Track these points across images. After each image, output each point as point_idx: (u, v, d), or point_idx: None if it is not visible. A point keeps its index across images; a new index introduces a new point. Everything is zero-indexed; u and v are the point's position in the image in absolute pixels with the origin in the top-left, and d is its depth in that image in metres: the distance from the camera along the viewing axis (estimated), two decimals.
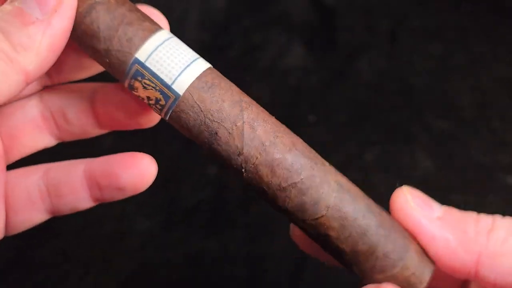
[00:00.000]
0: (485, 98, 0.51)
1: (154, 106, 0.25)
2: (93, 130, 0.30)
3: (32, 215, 0.30)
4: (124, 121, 0.29)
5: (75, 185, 0.30)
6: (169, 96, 0.25)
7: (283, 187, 0.25)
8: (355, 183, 0.48)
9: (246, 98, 0.26)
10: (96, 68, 0.30)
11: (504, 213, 0.46)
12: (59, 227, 0.44)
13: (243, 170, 0.25)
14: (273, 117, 0.26)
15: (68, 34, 0.25)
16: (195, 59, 0.25)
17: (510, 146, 0.49)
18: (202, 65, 0.25)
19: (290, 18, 0.57)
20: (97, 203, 0.30)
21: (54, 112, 0.30)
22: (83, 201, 0.30)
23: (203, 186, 0.47)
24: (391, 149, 0.49)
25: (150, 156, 0.29)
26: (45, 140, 0.31)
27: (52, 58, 0.24)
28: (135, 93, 0.25)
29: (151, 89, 0.25)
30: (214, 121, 0.25)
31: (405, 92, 0.52)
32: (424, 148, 0.49)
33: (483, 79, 0.52)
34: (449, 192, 0.47)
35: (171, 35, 0.26)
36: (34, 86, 0.30)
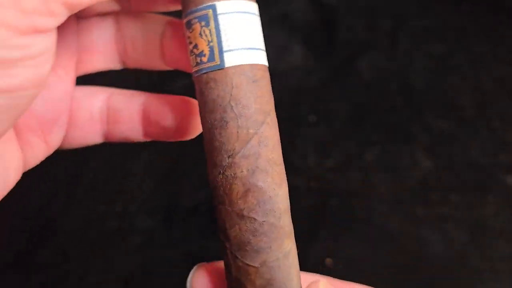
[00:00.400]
0: (485, 98, 0.51)
1: (193, 56, 0.24)
2: (158, 63, 0.30)
3: (89, 134, 0.31)
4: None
5: (132, 115, 0.30)
6: (214, 59, 0.23)
7: (242, 215, 0.24)
8: (355, 183, 0.49)
9: (274, 116, 0.24)
10: (175, 5, 0.30)
11: (504, 213, 0.46)
12: (59, 227, 0.44)
13: (221, 172, 0.24)
14: (281, 152, 0.25)
15: None
16: (261, 49, 0.24)
17: (510, 146, 0.49)
18: (263, 59, 0.24)
19: (290, 18, 0.57)
20: (147, 139, 0.30)
21: (125, 37, 0.30)
22: (136, 133, 0.30)
23: (203, 186, 0.47)
24: (391, 149, 0.49)
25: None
26: (114, 61, 0.31)
27: None
28: (188, 33, 0.24)
29: (204, 41, 0.23)
30: (233, 111, 0.23)
31: (405, 92, 0.52)
32: (424, 148, 0.49)
33: (483, 79, 0.52)
34: (449, 192, 0.47)
35: (258, 13, 0.25)
36: (112, 6, 0.29)
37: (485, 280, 0.42)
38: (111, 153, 0.49)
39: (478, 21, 0.56)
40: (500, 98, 0.51)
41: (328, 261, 0.44)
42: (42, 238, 0.43)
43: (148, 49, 0.30)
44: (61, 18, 0.22)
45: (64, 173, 0.48)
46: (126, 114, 0.30)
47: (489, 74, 0.53)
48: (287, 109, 0.38)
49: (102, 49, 0.31)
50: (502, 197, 0.46)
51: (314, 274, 0.27)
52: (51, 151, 0.30)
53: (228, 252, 0.24)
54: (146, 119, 0.30)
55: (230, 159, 0.23)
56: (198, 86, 0.24)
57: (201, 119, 0.25)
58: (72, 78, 0.30)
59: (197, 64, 0.24)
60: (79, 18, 0.30)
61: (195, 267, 0.27)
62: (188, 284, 0.27)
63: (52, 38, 0.22)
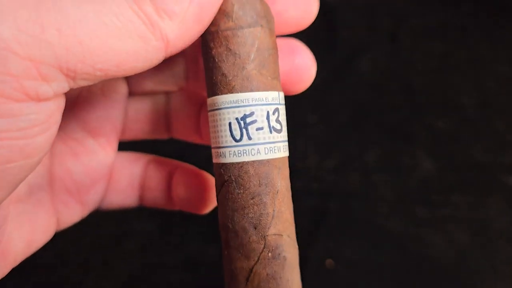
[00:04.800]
0: (486, 97, 0.51)
1: (213, 135, 0.25)
2: (194, 137, 0.31)
3: (127, 199, 0.31)
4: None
5: (160, 183, 0.31)
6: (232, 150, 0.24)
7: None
8: (355, 183, 0.48)
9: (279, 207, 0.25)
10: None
11: (506, 214, 0.46)
12: (57, 230, 0.44)
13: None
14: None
15: (218, 6, 0.23)
16: (282, 144, 0.25)
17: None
18: (282, 153, 0.25)
19: None
20: (174, 208, 0.31)
21: (172, 109, 0.31)
22: (165, 201, 0.31)
23: None
24: (392, 149, 0.49)
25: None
26: (160, 131, 0.32)
27: (197, 30, 0.23)
28: (210, 121, 0.25)
29: (219, 128, 0.24)
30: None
31: (406, 92, 0.52)
32: (425, 148, 0.49)
33: (485, 78, 0.52)
34: (449, 192, 0.47)
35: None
36: (168, 86, 0.30)
37: (486, 281, 0.42)
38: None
39: (479, 20, 0.56)
40: (502, 98, 0.51)
41: (329, 262, 0.44)
42: None
43: (188, 123, 0.31)
44: (61, 84, 0.20)
45: None
46: (155, 181, 0.31)
47: (491, 73, 0.52)
48: (287, 109, 0.38)
49: (151, 120, 0.31)
50: (504, 197, 0.46)
51: None
52: (86, 213, 0.30)
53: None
54: (172, 189, 0.31)
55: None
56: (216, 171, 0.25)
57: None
58: (114, 147, 0.30)
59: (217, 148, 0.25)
60: (130, 94, 0.30)
61: None
62: None
63: (50, 107, 0.21)
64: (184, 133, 0.32)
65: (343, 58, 0.54)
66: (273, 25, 0.25)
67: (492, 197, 0.46)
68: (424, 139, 0.49)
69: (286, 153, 0.26)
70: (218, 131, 0.24)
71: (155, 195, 0.31)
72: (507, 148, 0.48)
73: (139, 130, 0.32)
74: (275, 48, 0.25)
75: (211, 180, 0.31)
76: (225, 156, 0.24)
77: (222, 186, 0.24)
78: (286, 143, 0.26)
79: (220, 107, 0.24)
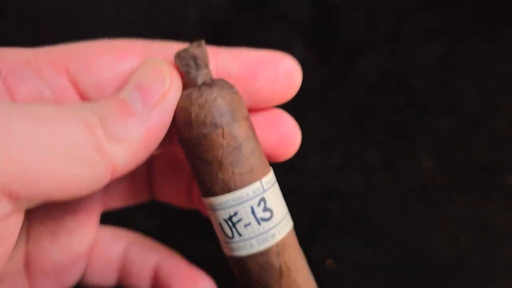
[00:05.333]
0: (488, 97, 0.51)
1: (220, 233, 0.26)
2: (182, 202, 0.32)
3: (105, 280, 0.31)
4: None
5: (142, 272, 0.31)
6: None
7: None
8: (356, 184, 0.48)
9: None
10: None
11: (507, 214, 0.46)
12: None
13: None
14: None
15: (164, 131, 0.24)
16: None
17: None
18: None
19: (291, 17, 0.57)
20: None
21: (156, 172, 0.31)
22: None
23: None
24: (393, 149, 0.49)
25: (210, 282, 0.30)
26: (143, 195, 0.32)
27: (145, 153, 0.23)
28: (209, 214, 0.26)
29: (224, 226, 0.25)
30: None
31: (407, 91, 0.52)
32: (426, 148, 0.49)
33: (487, 78, 0.52)
34: (450, 192, 0.47)
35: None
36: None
37: (487, 281, 0.42)
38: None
39: (480, 19, 0.56)
40: (504, 97, 0.51)
41: (329, 262, 0.44)
42: None
43: (175, 188, 0.31)
44: (3, 205, 0.19)
45: None
46: (137, 269, 0.30)
47: (493, 73, 0.52)
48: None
49: (133, 186, 0.31)
50: (506, 197, 0.46)
51: None
52: None
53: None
54: (156, 281, 0.30)
55: None
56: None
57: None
58: (94, 223, 0.30)
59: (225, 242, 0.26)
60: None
61: None
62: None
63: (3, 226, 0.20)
64: (170, 197, 0.31)
65: (343, 57, 0.54)
66: (243, 113, 0.25)
67: (493, 197, 0.46)
68: (424, 139, 0.49)
69: (286, 230, 0.26)
70: (215, 228, 0.26)
71: (136, 282, 0.30)
72: (508, 148, 0.48)
73: (121, 199, 0.31)
74: (248, 136, 0.25)
75: (204, 278, 0.30)
76: (226, 250, 0.26)
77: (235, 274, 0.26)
78: (285, 219, 0.26)
79: (210, 209, 0.25)
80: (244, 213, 0.24)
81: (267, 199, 0.25)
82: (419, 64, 0.53)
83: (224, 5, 0.58)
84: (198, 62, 0.24)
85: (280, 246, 0.25)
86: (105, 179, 0.22)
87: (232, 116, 0.24)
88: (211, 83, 0.25)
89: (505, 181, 0.47)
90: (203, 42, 0.25)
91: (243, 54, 0.27)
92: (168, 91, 0.23)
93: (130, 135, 0.22)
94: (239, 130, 0.24)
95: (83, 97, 0.26)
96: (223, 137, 0.24)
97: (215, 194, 0.24)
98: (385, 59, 0.54)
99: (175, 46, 0.27)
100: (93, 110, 0.22)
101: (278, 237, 0.25)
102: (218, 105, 0.24)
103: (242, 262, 0.25)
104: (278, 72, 0.27)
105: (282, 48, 0.56)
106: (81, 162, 0.20)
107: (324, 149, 0.50)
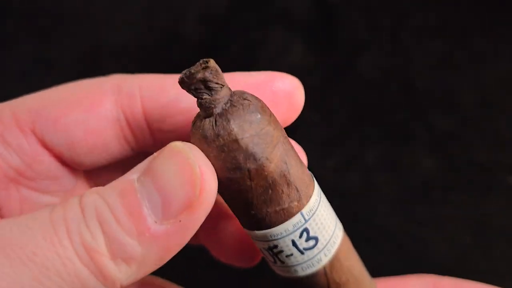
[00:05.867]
0: (487, 96, 0.51)
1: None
2: None
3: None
4: None
5: None
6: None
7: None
8: (356, 184, 0.48)
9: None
10: None
11: (507, 214, 0.46)
12: None
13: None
14: None
15: (180, 247, 0.19)
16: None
17: None
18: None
19: (291, 16, 0.57)
20: None
21: None
22: None
23: None
24: (392, 149, 0.49)
25: None
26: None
27: (156, 267, 0.19)
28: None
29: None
30: None
31: (407, 91, 0.52)
32: (426, 147, 0.49)
33: (486, 77, 0.52)
34: (450, 192, 0.46)
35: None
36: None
37: (486, 281, 0.42)
38: None
39: (479, 18, 0.56)
40: (503, 97, 0.51)
41: None
42: None
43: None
44: None
45: None
46: None
47: (492, 72, 0.52)
48: None
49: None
50: (505, 197, 0.46)
51: None
52: None
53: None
54: None
55: None
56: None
57: None
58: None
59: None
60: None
61: None
62: None
63: None
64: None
65: (343, 56, 0.54)
66: (274, 140, 0.21)
67: (493, 196, 0.46)
68: (424, 138, 0.49)
69: (335, 246, 0.24)
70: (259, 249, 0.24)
71: None
72: (507, 147, 0.48)
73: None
74: (283, 168, 0.21)
75: None
76: (272, 267, 0.24)
77: None
78: (333, 235, 0.24)
79: (251, 238, 0.23)
80: (284, 246, 0.22)
81: (310, 229, 0.22)
82: (418, 64, 0.53)
83: (224, 5, 0.58)
84: (210, 85, 0.20)
85: (328, 266, 0.24)
86: None
87: (259, 153, 0.20)
88: (229, 111, 0.20)
89: (505, 181, 0.47)
90: (211, 61, 0.20)
91: (236, 80, 0.24)
92: (197, 201, 0.18)
93: (142, 254, 0.18)
94: (270, 167, 0.21)
95: (58, 158, 0.24)
96: (250, 179, 0.20)
97: (251, 229, 0.22)
98: (385, 59, 0.54)
99: (149, 79, 0.24)
100: (93, 219, 0.17)
101: (325, 260, 0.24)
102: (240, 147, 0.20)
103: (288, 280, 0.24)
104: (275, 95, 0.24)
105: (282, 47, 0.56)
106: None
107: (324, 149, 0.50)
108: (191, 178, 0.18)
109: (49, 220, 0.17)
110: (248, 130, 0.20)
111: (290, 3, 0.57)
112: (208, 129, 0.20)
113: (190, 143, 0.20)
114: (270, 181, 0.21)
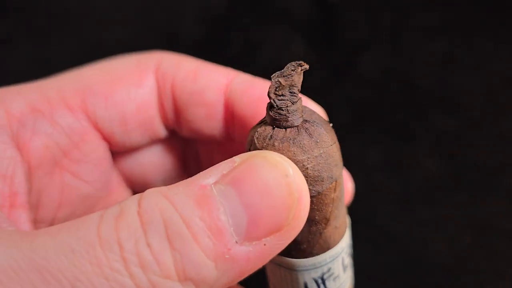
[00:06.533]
0: (489, 96, 0.51)
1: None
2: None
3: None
4: None
5: None
6: None
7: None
8: (357, 183, 0.48)
9: None
10: None
11: (509, 214, 0.46)
12: None
13: None
14: None
15: (252, 272, 0.17)
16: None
17: None
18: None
19: (291, 15, 0.57)
20: None
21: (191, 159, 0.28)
22: None
23: None
24: (394, 149, 0.49)
25: None
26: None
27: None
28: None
29: None
30: None
31: (408, 91, 0.52)
32: (427, 147, 0.49)
33: (488, 77, 0.52)
34: (452, 192, 0.46)
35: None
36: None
37: (489, 281, 0.42)
38: None
39: (481, 18, 0.55)
40: (505, 97, 0.51)
41: None
42: None
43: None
44: None
45: None
46: None
47: (494, 72, 0.52)
48: None
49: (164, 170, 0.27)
50: (507, 197, 0.46)
51: None
52: None
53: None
54: None
55: None
56: None
57: None
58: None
59: None
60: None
61: None
62: None
63: None
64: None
65: (344, 56, 0.54)
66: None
67: (494, 197, 0.46)
68: (426, 138, 0.49)
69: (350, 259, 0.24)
70: (287, 284, 0.22)
71: None
72: (508, 148, 0.48)
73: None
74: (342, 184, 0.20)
75: None
76: None
77: None
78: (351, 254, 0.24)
79: (293, 269, 0.21)
80: (336, 267, 0.21)
81: (351, 241, 0.22)
82: (420, 64, 0.53)
83: (224, 5, 0.58)
84: (294, 92, 0.18)
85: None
86: None
87: (341, 161, 0.19)
88: (310, 125, 0.18)
89: (506, 181, 0.46)
90: (302, 64, 0.19)
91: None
92: (288, 226, 0.15)
93: (216, 278, 0.15)
94: (342, 176, 0.19)
95: (106, 137, 0.23)
96: (335, 190, 0.19)
97: (311, 255, 0.20)
98: (385, 59, 0.54)
99: (186, 62, 0.24)
100: (158, 234, 0.14)
101: (351, 278, 0.23)
102: (330, 155, 0.18)
103: None
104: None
105: (283, 47, 0.56)
106: None
107: None
108: (287, 200, 0.15)
109: (96, 236, 0.14)
110: (329, 140, 0.19)
111: (290, 3, 0.57)
112: (304, 138, 0.18)
113: (282, 155, 0.17)
114: (343, 190, 0.19)
